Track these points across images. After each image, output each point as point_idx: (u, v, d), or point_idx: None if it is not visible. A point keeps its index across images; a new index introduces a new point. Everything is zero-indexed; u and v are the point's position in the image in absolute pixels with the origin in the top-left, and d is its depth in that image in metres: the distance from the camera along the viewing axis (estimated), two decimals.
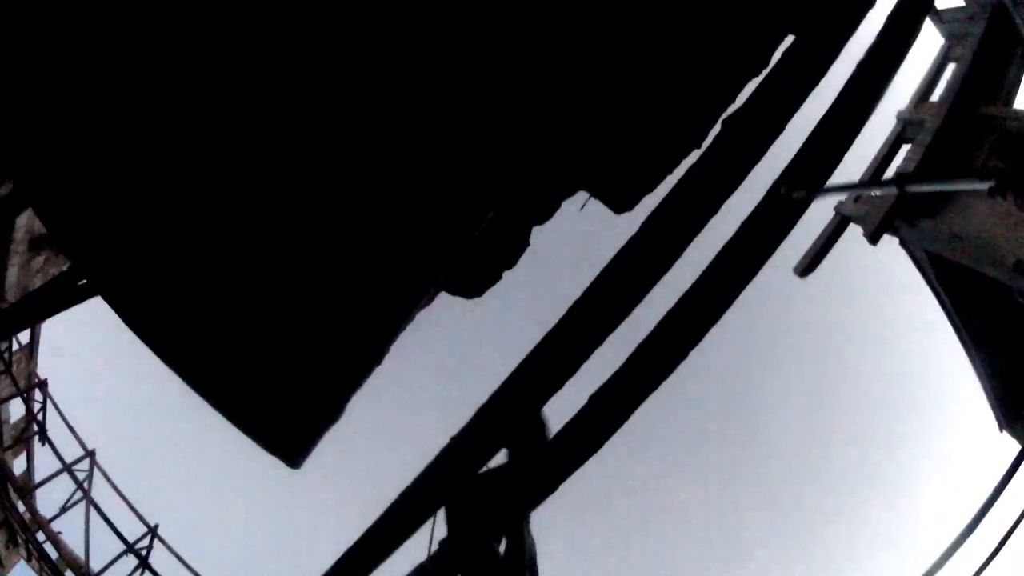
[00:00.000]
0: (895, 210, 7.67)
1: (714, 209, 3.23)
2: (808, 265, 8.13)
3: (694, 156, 3.36)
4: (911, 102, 8.59)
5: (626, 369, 3.02)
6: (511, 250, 3.21)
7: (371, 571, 3.57)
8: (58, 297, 5.92)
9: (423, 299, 2.96)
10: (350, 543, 3.39)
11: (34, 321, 6.93)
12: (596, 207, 3.53)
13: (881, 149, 8.64)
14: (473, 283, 3.10)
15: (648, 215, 3.17)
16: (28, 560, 10.87)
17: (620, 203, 3.41)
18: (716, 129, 3.33)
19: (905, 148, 8.21)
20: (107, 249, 3.01)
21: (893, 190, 7.88)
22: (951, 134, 7.32)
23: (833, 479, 28.26)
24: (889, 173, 8.61)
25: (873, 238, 8.07)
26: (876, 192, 8.23)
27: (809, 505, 28.59)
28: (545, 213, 3.36)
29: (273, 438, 3.15)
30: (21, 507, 9.63)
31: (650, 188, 3.34)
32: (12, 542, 11.15)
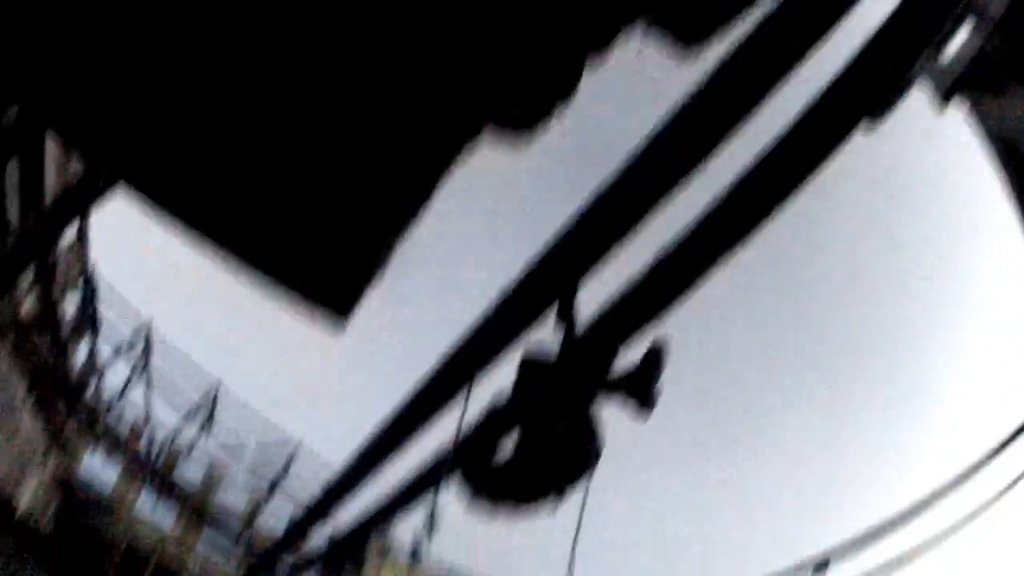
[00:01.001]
0: (962, 81, 7.32)
1: (799, 55, 2.86)
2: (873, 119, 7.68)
3: None
4: None
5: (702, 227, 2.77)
6: (566, 80, 2.92)
7: (414, 433, 3.57)
8: (90, 193, 5.88)
9: (475, 134, 2.73)
10: (397, 402, 3.38)
11: (71, 219, 6.91)
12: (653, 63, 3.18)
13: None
14: (524, 118, 2.84)
15: (722, 58, 2.81)
16: (94, 448, 11.51)
17: (687, 34, 3.05)
18: None
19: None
20: (122, 142, 2.84)
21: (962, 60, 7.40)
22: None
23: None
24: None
25: (944, 99, 7.67)
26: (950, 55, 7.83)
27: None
28: (603, 40, 3.03)
29: (315, 296, 3.04)
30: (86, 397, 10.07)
31: (726, 18, 2.96)
32: (82, 433, 11.78)
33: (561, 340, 2.86)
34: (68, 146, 2.75)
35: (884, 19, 2.54)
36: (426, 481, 3.77)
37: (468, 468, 3.01)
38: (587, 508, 2.92)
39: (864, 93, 2.66)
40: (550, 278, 2.85)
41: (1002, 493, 6.08)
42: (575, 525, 2.93)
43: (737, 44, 2.68)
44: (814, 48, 2.64)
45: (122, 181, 3.09)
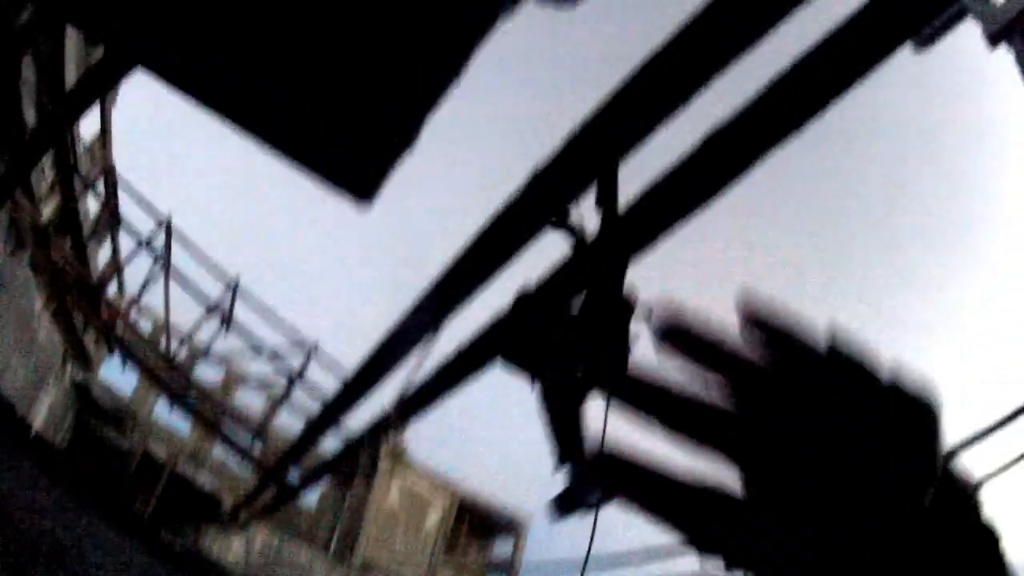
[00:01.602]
0: (1015, 22, 7.13)
1: None
2: (921, 42, 7.56)
3: None
4: None
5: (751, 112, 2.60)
6: None
7: (457, 306, 3.44)
8: (107, 76, 5.75)
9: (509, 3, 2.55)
10: (428, 283, 3.28)
11: (89, 104, 6.79)
12: None
13: None
14: None
15: None
16: (111, 353, 11.63)
17: None
18: None
19: None
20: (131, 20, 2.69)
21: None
22: None
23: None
24: None
25: (993, 40, 7.47)
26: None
27: None
28: None
29: (342, 171, 2.92)
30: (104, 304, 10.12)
31: None
32: (100, 339, 11.89)
33: (601, 219, 2.73)
34: (86, 34, 2.61)
35: None
36: (441, 378, 3.72)
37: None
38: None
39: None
40: (589, 155, 2.70)
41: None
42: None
43: None
44: None
45: (143, 64, 2.97)
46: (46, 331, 10.28)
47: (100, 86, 6.75)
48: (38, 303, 9.82)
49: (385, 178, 2.90)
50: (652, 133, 2.62)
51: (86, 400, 12.35)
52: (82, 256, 9.95)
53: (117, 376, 12.42)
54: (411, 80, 2.63)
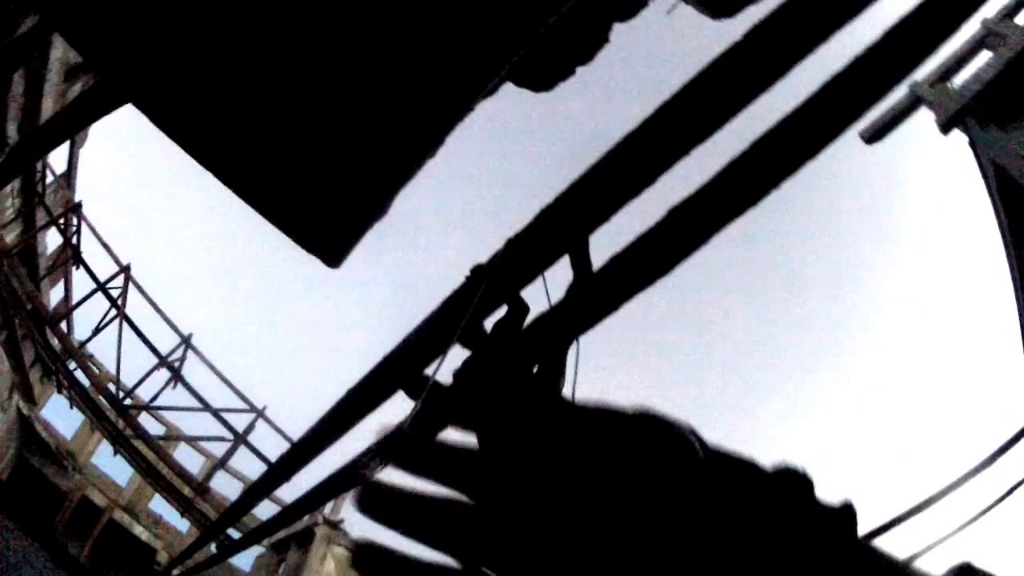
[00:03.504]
0: (968, 109, 7.57)
1: (826, 33, 2.77)
2: (875, 134, 7.95)
3: None
4: (997, 15, 8.42)
5: (702, 194, 2.65)
6: (589, 44, 2.80)
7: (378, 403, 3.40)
8: (87, 111, 5.72)
9: (487, 86, 2.61)
10: (379, 359, 3.21)
11: (65, 136, 6.72)
12: (685, 13, 3.09)
13: (962, 48, 8.45)
14: (543, 74, 2.72)
15: (754, 24, 2.72)
16: (59, 391, 11.23)
17: (716, 6, 2.96)
18: None
19: (984, 55, 8.11)
20: (133, 51, 2.72)
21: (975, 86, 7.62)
22: None
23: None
24: (963, 74, 8.47)
25: (944, 129, 7.88)
26: (952, 85, 8.11)
27: None
28: (630, 10, 2.93)
29: (311, 233, 2.91)
30: (55, 340, 9.82)
31: None
32: (46, 376, 11.51)
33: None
34: (82, 54, 2.61)
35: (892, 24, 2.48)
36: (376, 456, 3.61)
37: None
38: None
39: (858, 97, 2.58)
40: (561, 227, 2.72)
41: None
42: None
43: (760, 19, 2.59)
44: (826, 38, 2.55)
45: (131, 100, 2.96)
46: None
47: (75, 121, 6.70)
48: None
49: (354, 244, 2.89)
50: (619, 209, 2.64)
51: (29, 434, 11.91)
52: (37, 288, 9.70)
53: (61, 415, 12.03)
54: (389, 154, 2.66)
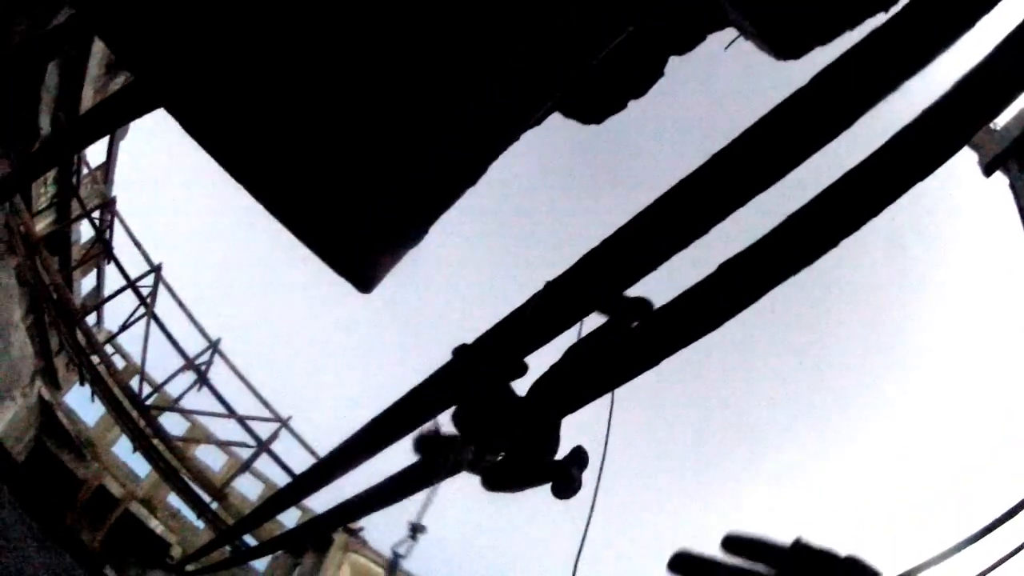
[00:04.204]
0: (1012, 150, 7.30)
1: (895, 84, 2.63)
2: None
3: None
4: None
5: (752, 253, 2.52)
6: (642, 77, 2.69)
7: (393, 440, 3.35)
8: (127, 108, 5.70)
9: (534, 115, 2.51)
10: (407, 375, 3.16)
11: (104, 132, 6.74)
12: (746, 52, 2.97)
13: None
14: (593, 107, 2.61)
15: (819, 72, 2.59)
16: (82, 383, 11.31)
17: (783, 46, 2.83)
18: None
19: None
20: (169, 57, 2.65)
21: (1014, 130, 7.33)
22: None
23: None
24: (1007, 114, 8.20)
25: (987, 171, 7.63)
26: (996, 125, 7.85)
27: None
28: (687, 43, 2.81)
29: (345, 260, 2.83)
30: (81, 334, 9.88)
31: (823, 37, 2.74)
32: (72, 365, 11.60)
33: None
34: (116, 54, 2.53)
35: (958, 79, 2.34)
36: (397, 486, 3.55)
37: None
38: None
39: (920, 154, 2.44)
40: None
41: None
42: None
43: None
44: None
45: (165, 106, 2.91)
46: (20, 343, 10.01)
47: (114, 117, 6.71)
48: (17, 313, 9.59)
49: (387, 271, 2.81)
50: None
51: (49, 420, 11.99)
52: (67, 279, 9.77)
53: (83, 405, 12.11)
54: (429, 181, 2.57)
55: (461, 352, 2.70)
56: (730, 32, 2.91)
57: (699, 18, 2.78)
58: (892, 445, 29.35)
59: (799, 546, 0.56)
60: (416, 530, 2.83)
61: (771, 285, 2.40)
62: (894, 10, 2.71)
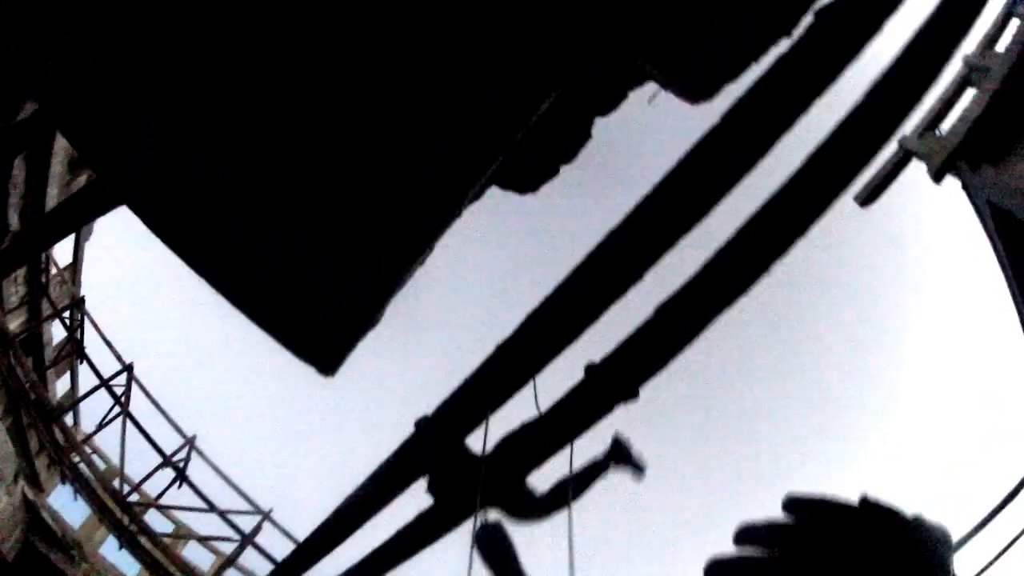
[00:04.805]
0: (959, 152, 7.52)
1: (802, 108, 2.82)
2: (869, 195, 7.91)
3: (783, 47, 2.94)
4: (978, 48, 8.45)
5: (688, 289, 2.64)
6: (571, 142, 2.83)
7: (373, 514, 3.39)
8: (89, 206, 5.78)
9: (473, 190, 2.63)
10: (381, 453, 3.20)
11: (70, 229, 6.79)
12: (666, 101, 3.13)
13: (946, 91, 8.48)
14: (528, 176, 2.74)
15: (727, 110, 2.77)
16: (63, 482, 11.13)
17: (696, 91, 3.00)
18: (808, 19, 2.90)
19: (970, 92, 8.10)
20: (127, 160, 2.76)
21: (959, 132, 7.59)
22: (1018, 83, 6.99)
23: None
24: (952, 116, 8.48)
25: (936, 177, 7.86)
26: (941, 131, 8.09)
27: None
28: (610, 103, 2.97)
29: (305, 345, 2.90)
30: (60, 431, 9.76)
31: (732, 74, 2.92)
32: (53, 464, 11.42)
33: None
34: (77, 152, 2.63)
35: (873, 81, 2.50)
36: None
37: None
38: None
39: (846, 163, 2.60)
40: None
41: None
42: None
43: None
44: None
45: (124, 202, 3.00)
46: (0, 443, 9.86)
47: (80, 215, 6.77)
48: None
49: (348, 353, 2.88)
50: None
51: (35, 520, 11.76)
52: (42, 378, 9.70)
53: (67, 505, 11.88)
54: (379, 262, 2.66)
55: (422, 424, 2.78)
56: (649, 89, 3.06)
57: (620, 76, 2.94)
58: (889, 442, 29.56)
59: (867, 504, 0.54)
60: None
61: (708, 322, 2.51)
62: (796, 33, 2.90)
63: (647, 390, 2.63)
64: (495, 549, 3.07)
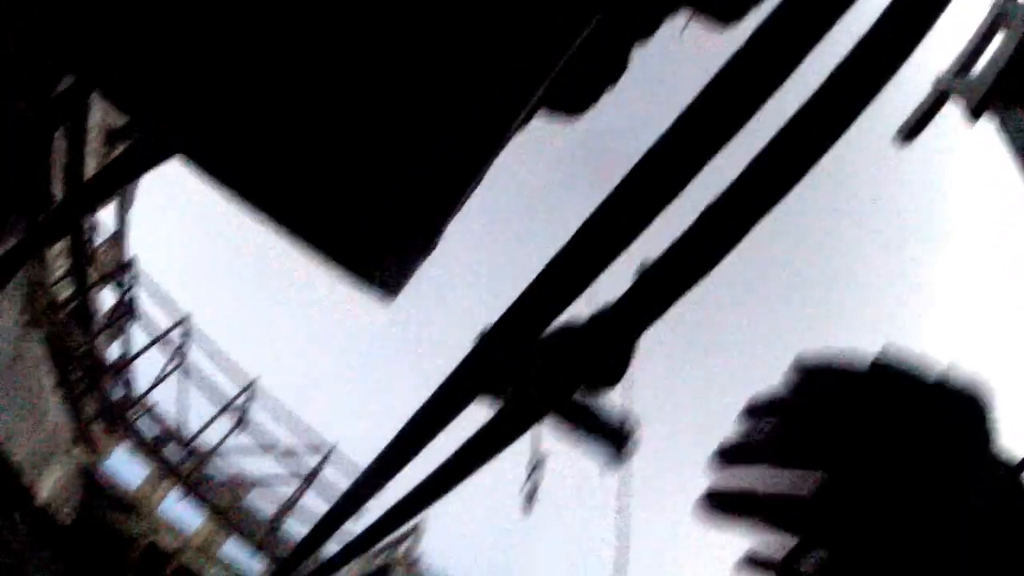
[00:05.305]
0: (992, 92, 7.44)
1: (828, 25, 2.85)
2: (908, 134, 7.87)
3: None
4: None
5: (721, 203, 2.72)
6: (614, 65, 2.91)
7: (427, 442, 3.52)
8: (129, 168, 5.97)
9: (525, 112, 2.72)
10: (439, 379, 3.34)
11: (109, 193, 7.00)
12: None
13: (978, 31, 8.35)
14: (575, 99, 2.83)
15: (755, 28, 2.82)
16: (124, 443, 11.56)
17: (728, 11, 3.05)
18: None
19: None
20: (174, 104, 2.87)
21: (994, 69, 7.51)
22: None
23: None
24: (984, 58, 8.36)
25: (973, 116, 7.78)
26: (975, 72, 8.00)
27: None
28: (646, 29, 3.03)
29: (366, 270, 3.04)
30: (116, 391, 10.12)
31: None
32: (109, 429, 11.85)
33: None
34: (125, 113, 2.74)
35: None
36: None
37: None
38: None
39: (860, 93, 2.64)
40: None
41: None
42: None
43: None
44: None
45: (178, 151, 3.12)
46: (55, 410, 10.27)
47: (117, 180, 6.98)
48: (49, 381, 9.85)
49: (407, 278, 3.02)
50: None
51: (92, 484, 12.20)
52: (95, 344, 10.04)
53: (125, 466, 12.33)
54: (434, 188, 2.78)
55: (484, 334, 2.88)
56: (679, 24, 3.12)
57: (657, 2, 3.01)
58: None
59: (879, 367, 0.47)
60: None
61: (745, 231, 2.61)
62: None
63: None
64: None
